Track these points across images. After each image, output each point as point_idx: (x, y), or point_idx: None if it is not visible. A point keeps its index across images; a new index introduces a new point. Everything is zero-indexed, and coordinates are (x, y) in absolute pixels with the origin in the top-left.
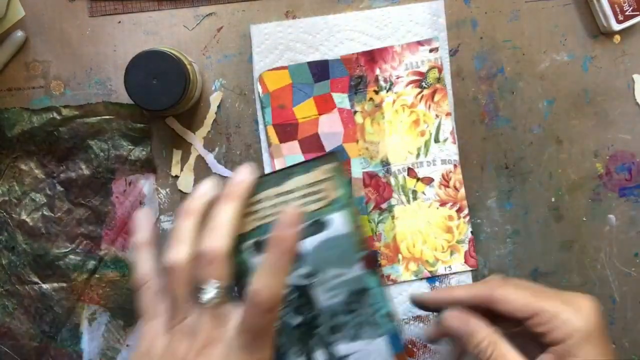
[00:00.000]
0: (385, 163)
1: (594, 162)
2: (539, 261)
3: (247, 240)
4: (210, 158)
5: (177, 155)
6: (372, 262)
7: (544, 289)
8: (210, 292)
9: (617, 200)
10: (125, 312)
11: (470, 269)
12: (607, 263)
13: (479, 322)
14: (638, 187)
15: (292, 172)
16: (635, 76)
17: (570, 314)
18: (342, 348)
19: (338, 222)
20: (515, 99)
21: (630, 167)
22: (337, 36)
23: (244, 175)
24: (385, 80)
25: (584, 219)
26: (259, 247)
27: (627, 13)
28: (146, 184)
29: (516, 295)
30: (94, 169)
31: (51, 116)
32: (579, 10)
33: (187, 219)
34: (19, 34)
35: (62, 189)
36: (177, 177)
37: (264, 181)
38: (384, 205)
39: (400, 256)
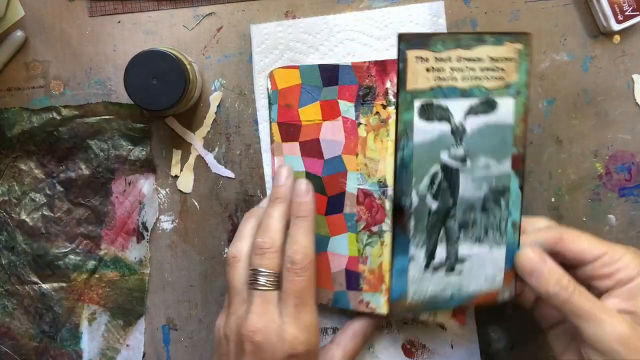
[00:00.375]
0: (383, 184)
1: (593, 162)
2: None
3: (419, 97)
4: (210, 158)
5: (176, 155)
6: (520, 163)
7: None
8: (261, 279)
9: (617, 200)
10: (125, 312)
11: None
12: None
13: (553, 261)
14: (638, 187)
15: (483, 40)
16: (635, 76)
17: (634, 257)
18: (464, 248)
19: (505, 109)
20: None
21: (630, 167)
22: (337, 36)
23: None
24: (394, 95)
25: (584, 219)
26: (424, 111)
27: (626, 13)
28: (146, 184)
29: (586, 237)
30: (93, 169)
31: (51, 116)
32: (579, 10)
33: (249, 220)
34: (19, 33)
35: (61, 188)
36: (176, 177)
37: (454, 39)
38: (374, 228)
39: (383, 287)
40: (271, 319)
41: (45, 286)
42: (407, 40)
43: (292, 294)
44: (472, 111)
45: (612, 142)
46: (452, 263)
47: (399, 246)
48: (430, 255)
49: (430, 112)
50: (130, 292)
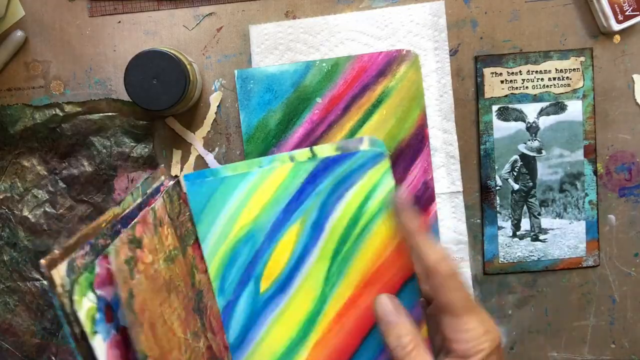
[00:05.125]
0: None
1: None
2: None
3: (496, 103)
4: (210, 158)
5: (177, 155)
6: (592, 152)
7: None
8: None
9: (617, 200)
10: None
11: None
12: (607, 263)
13: (408, 317)
14: (638, 187)
15: (549, 56)
16: (635, 76)
17: (482, 334)
18: (546, 221)
19: (574, 109)
20: None
21: (630, 167)
22: (338, 36)
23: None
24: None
25: None
26: (501, 113)
27: (627, 13)
28: None
29: (457, 290)
30: (96, 165)
31: (53, 113)
32: (579, 10)
33: None
34: (19, 33)
35: (64, 185)
36: (177, 177)
37: (524, 56)
38: None
39: None
40: None
41: (46, 283)
42: (482, 60)
43: None
44: (543, 112)
45: (612, 142)
46: (536, 233)
47: (488, 218)
48: (516, 226)
49: (506, 114)
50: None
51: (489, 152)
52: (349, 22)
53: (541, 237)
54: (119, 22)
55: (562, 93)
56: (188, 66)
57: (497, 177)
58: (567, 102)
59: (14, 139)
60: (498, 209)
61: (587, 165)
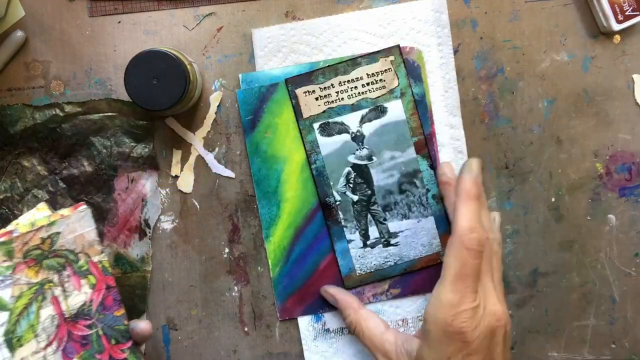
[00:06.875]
0: None
1: (594, 162)
2: (539, 261)
3: (316, 121)
4: (210, 158)
5: (177, 156)
6: (423, 147)
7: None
8: None
9: (617, 200)
10: (126, 310)
11: None
12: (607, 263)
13: (352, 298)
14: (638, 187)
15: (358, 62)
16: (635, 76)
17: None
18: (393, 225)
19: (395, 109)
20: (515, 99)
21: (630, 167)
22: (341, 36)
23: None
24: None
25: (588, 217)
26: (323, 130)
27: (627, 13)
28: (148, 181)
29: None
30: (96, 165)
31: (54, 113)
32: (579, 10)
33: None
34: (19, 34)
35: (64, 185)
36: (177, 177)
37: (331, 70)
38: None
39: None
40: None
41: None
42: (292, 82)
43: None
44: (365, 119)
45: (612, 142)
46: (387, 239)
47: (335, 234)
48: (365, 236)
49: (329, 129)
50: (132, 290)
51: (321, 170)
52: (351, 21)
53: (392, 241)
54: (119, 22)
55: (379, 96)
56: (188, 66)
57: (335, 193)
58: (386, 104)
59: (14, 139)
60: (343, 223)
61: (422, 161)
